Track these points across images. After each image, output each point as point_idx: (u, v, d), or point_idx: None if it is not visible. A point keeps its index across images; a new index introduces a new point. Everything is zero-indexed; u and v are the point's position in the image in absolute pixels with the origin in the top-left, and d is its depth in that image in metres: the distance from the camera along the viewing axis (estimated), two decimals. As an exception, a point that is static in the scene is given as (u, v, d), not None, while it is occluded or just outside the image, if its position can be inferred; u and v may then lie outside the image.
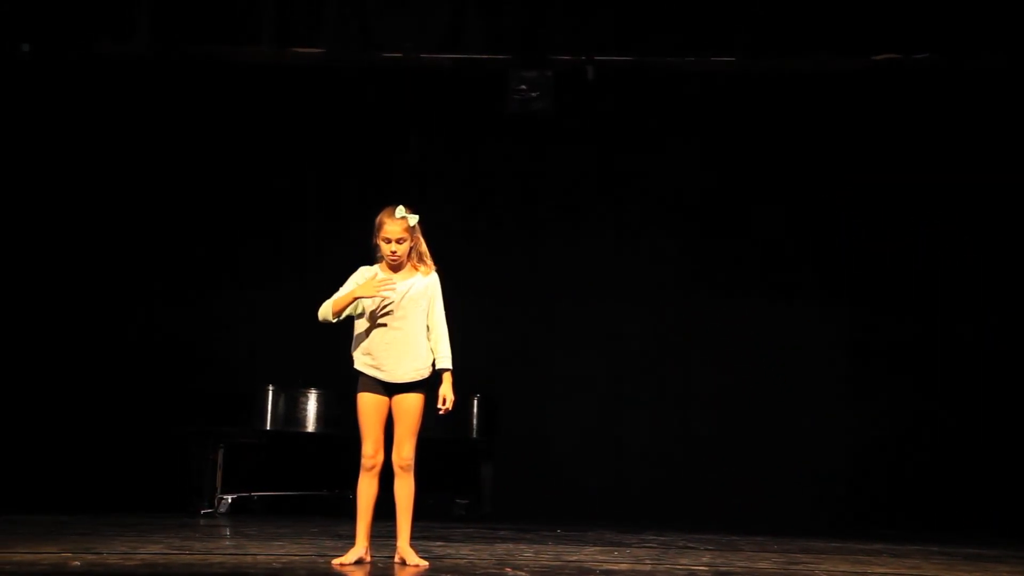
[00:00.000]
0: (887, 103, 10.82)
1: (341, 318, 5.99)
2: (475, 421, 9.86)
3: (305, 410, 9.52)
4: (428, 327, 6.06)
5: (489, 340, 10.72)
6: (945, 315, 10.77)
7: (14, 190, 10.61)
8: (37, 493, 9.80)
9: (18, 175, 10.63)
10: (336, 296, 6.00)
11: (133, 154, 10.88)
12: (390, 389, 5.99)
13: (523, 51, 9.83)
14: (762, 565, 6.66)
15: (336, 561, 5.96)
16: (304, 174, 11.07)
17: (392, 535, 6.12)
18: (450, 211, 10.88)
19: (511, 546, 7.29)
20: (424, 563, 5.98)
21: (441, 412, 6.05)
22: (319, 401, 9.50)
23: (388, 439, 6.05)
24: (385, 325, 5.97)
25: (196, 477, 9.79)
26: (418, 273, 6.05)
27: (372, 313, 5.99)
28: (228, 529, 8.26)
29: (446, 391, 6.05)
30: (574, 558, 6.63)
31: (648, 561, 6.61)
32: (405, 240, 5.97)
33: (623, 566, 6.31)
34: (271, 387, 9.51)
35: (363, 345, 6.01)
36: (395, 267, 6.02)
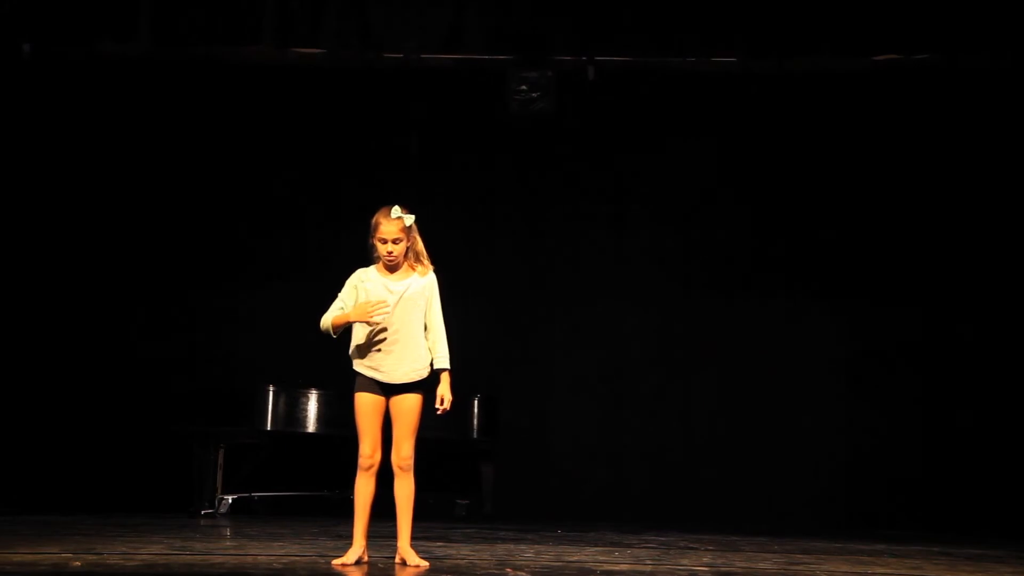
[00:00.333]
0: (887, 103, 10.82)
1: (339, 333, 6.00)
2: (476, 421, 9.86)
3: (305, 410, 9.52)
4: (426, 327, 6.06)
5: (490, 340, 10.73)
6: (946, 315, 10.77)
7: (15, 190, 10.61)
8: (37, 493, 9.80)
9: (19, 175, 10.63)
10: (333, 313, 6.01)
11: (134, 154, 10.88)
12: (388, 390, 5.99)
13: (524, 51, 9.82)
14: (763, 566, 6.66)
15: (336, 561, 5.96)
16: (305, 174, 11.07)
17: (392, 535, 6.12)
18: (451, 211, 10.88)
19: (512, 546, 7.29)
20: (424, 563, 5.98)
21: (439, 412, 6.05)
22: (319, 401, 9.50)
23: (386, 440, 6.05)
24: (383, 326, 5.97)
25: (196, 477, 9.78)
26: (415, 273, 6.05)
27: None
28: (229, 529, 8.26)
29: (444, 391, 6.05)
30: (575, 558, 6.63)
31: (649, 561, 6.60)
32: (401, 240, 5.97)
33: (624, 566, 6.30)
34: (271, 387, 9.51)
35: (361, 346, 6.01)
36: (391, 267, 6.02)
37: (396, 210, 5.98)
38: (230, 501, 9.81)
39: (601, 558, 6.72)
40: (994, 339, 10.67)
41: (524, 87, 9.87)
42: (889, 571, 6.51)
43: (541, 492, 10.65)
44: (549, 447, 10.90)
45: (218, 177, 10.95)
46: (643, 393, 10.98)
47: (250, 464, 10.02)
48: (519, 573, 5.77)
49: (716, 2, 9.52)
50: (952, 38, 9.38)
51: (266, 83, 10.71)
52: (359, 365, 6.00)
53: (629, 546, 7.55)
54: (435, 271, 6.11)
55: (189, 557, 6.17)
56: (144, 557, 6.08)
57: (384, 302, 5.93)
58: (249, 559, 6.13)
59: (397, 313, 5.98)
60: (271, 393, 9.49)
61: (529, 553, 6.87)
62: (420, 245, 6.08)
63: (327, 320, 6.02)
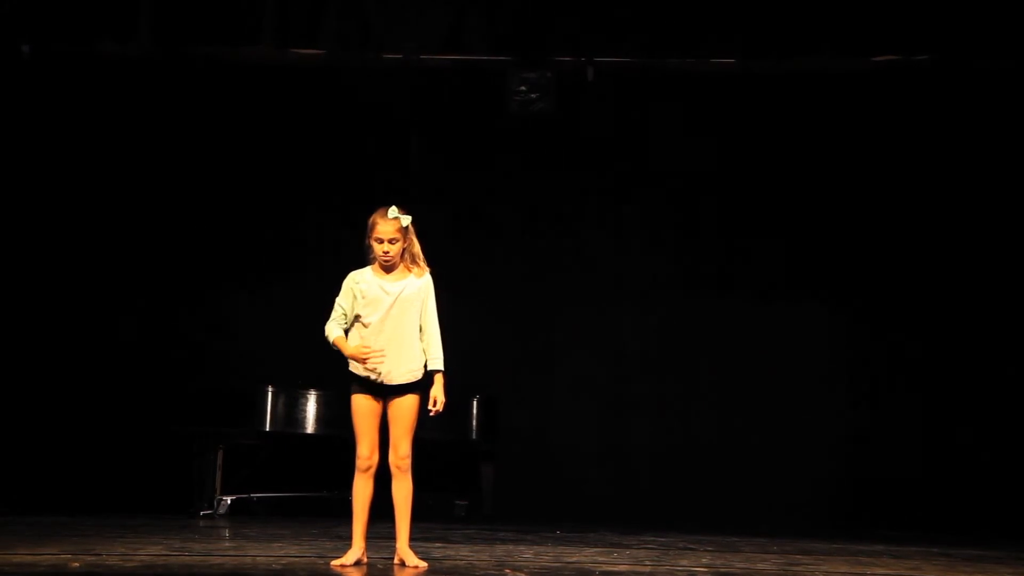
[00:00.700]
0: (887, 104, 10.82)
1: None
2: (475, 422, 9.85)
3: (305, 411, 9.51)
4: (420, 328, 6.06)
5: (489, 340, 10.73)
6: (945, 315, 10.76)
7: (15, 190, 10.61)
8: (36, 494, 9.80)
9: (19, 175, 10.63)
10: (336, 331, 6.00)
11: (134, 154, 10.88)
12: (385, 391, 5.99)
13: (523, 52, 9.82)
14: (762, 566, 6.66)
15: (335, 563, 5.97)
16: (304, 174, 11.07)
17: (391, 536, 6.12)
18: (451, 212, 10.88)
19: (511, 547, 7.29)
20: (423, 564, 5.98)
21: (432, 414, 6.05)
22: (319, 402, 9.49)
23: (383, 441, 6.05)
24: (378, 328, 5.97)
25: (196, 478, 9.78)
26: (411, 275, 6.04)
27: (367, 315, 5.99)
28: (228, 530, 8.26)
29: (437, 392, 6.05)
30: (574, 559, 6.63)
31: (648, 562, 6.61)
32: (397, 241, 5.98)
33: (623, 567, 6.31)
34: (270, 388, 9.50)
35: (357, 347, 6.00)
36: (388, 268, 6.02)
37: (393, 210, 5.99)
38: (229, 502, 9.81)
39: (600, 559, 6.72)
40: (994, 339, 10.67)
41: (524, 87, 9.87)
42: (888, 572, 6.51)
43: (540, 493, 10.64)
44: (549, 448, 10.90)
45: (217, 177, 10.94)
46: (643, 394, 10.98)
47: (249, 465, 10.02)
48: (518, 574, 5.77)
49: (715, 3, 9.51)
50: (952, 39, 9.37)
51: (266, 83, 10.70)
52: (355, 367, 6.00)
53: (628, 547, 7.55)
54: (431, 273, 6.11)
55: (188, 558, 6.17)
56: (143, 558, 6.08)
57: (382, 351, 5.91)
58: (248, 560, 6.13)
59: (393, 315, 5.98)
60: (270, 394, 9.49)
61: (528, 554, 6.87)
62: (417, 247, 6.08)
63: (330, 335, 6.03)
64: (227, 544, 7.14)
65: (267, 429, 9.49)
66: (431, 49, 9.76)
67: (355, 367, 6.00)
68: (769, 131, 11.04)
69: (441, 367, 6.08)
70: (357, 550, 5.98)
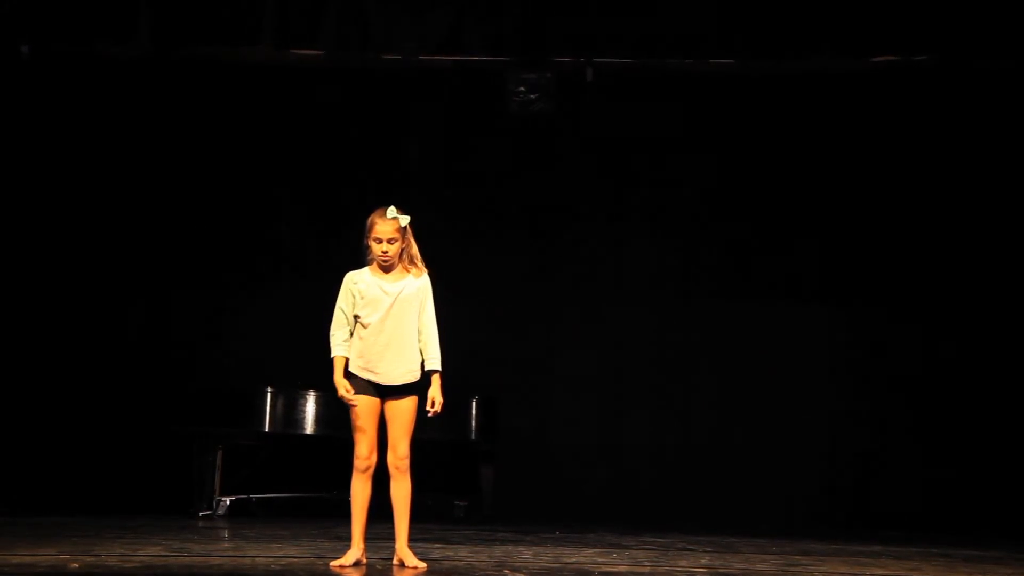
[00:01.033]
0: (887, 105, 10.82)
1: None
2: (474, 423, 9.84)
3: (304, 412, 9.51)
4: (419, 329, 6.06)
5: (489, 341, 10.72)
6: (945, 316, 10.76)
7: (14, 191, 10.61)
8: (36, 495, 9.79)
9: (18, 176, 10.63)
10: (336, 352, 6.07)
11: (133, 155, 10.87)
12: (383, 392, 6.00)
13: (523, 53, 9.82)
14: (761, 567, 6.66)
15: (334, 563, 5.97)
16: (304, 175, 11.07)
17: (390, 536, 6.12)
18: (450, 212, 10.88)
19: (510, 548, 7.30)
20: (422, 565, 5.98)
21: (429, 415, 6.06)
22: (318, 403, 9.49)
23: (381, 441, 6.05)
24: (378, 328, 5.97)
25: (195, 479, 9.77)
26: (409, 275, 6.05)
27: (366, 316, 5.99)
28: (227, 531, 8.26)
29: (435, 393, 6.06)
30: (573, 560, 6.63)
31: (647, 563, 6.61)
32: (396, 240, 5.99)
33: (622, 568, 6.31)
34: (270, 389, 9.50)
35: (356, 348, 6.01)
36: (386, 268, 6.03)
37: (392, 210, 6.00)
38: (228, 502, 9.80)
39: (599, 559, 6.72)
40: (994, 340, 10.66)
41: (523, 88, 9.86)
42: (888, 572, 6.51)
43: (540, 494, 10.64)
44: (548, 449, 10.89)
45: (217, 178, 10.94)
46: (642, 394, 10.97)
47: (249, 465, 10.01)
48: (517, 574, 5.77)
49: (714, 3, 9.51)
50: (952, 39, 9.37)
51: (265, 84, 10.70)
52: (354, 367, 6.01)
53: (627, 547, 7.56)
54: (429, 273, 6.12)
55: (187, 559, 6.17)
56: (142, 558, 6.08)
57: (354, 400, 5.97)
58: (247, 561, 6.13)
59: (393, 315, 5.99)
60: (269, 394, 9.48)
61: (527, 554, 6.87)
62: (415, 248, 6.09)
63: (333, 349, 6.08)
64: (226, 545, 7.14)
65: (266, 430, 9.49)
66: (430, 50, 9.75)
67: (353, 367, 6.01)
68: (769, 131, 11.03)
69: (439, 367, 6.09)
70: (356, 550, 5.98)
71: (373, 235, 6.02)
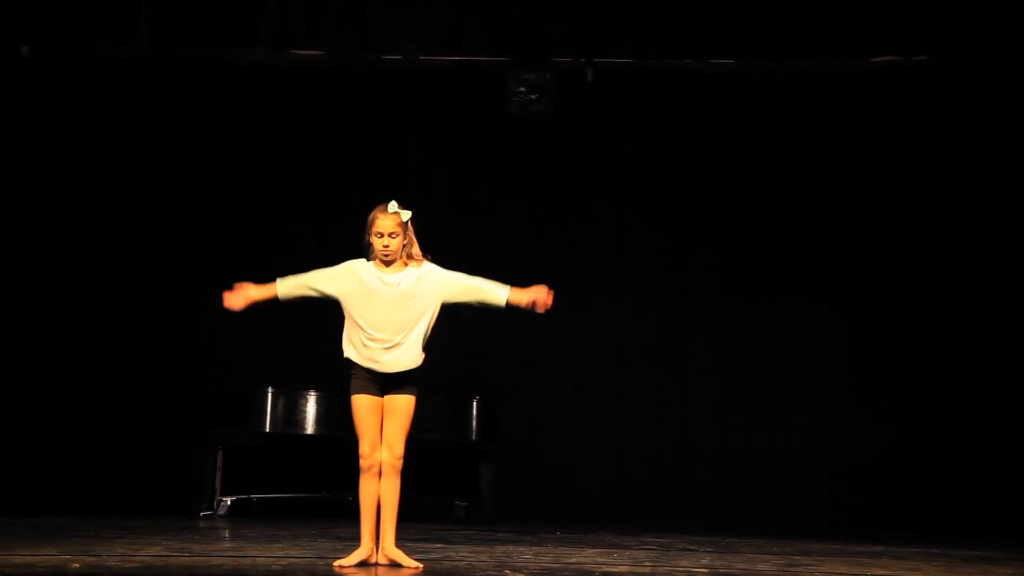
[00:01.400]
0: (886, 105, 10.82)
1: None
2: (475, 423, 9.85)
3: (304, 412, 9.51)
4: (462, 304, 6.24)
5: (489, 342, 10.73)
6: (946, 316, 10.77)
7: (14, 191, 10.61)
8: (36, 495, 9.79)
9: (18, 176, 10.63)
10: (279, 281, 6.46)
11: (133, 155, 10.88)
12: (384, 387, 6.00)
13: (523, 53, 9.82)
14: (761, 567, 6.66)
15: (337, 563, 5.96)
16: (304, 175, 11.07)
17: (401, 536, 6.10)
18: (450, 212, 10.88)
19: (510, 548, 7.29)
20: (418, 564, 5.97)
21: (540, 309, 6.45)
22: (318, 403, 9.49)
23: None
24: (379, 320, 5.97)
25: (195, 479, 9.78)
26: (408, 268, 6.07)
27: (365, 306, 5.99)
28: (227, 531, 8.26)
29: (527, 295, 6.49)
30: (573, 560, 6.63)
31: (648, 563, 6.61)
32: (397, 235, 6.01)
33: (622, 568, 6.31)
34: (270, 389, 9.51)
35: (359, 338, 6.01)
36: (387, 262, 6.04)
37: (393, 205, 6.04)
38: (229, 503, 9.81)
39: (600, 560, 6.72)
40: (994, 340, 10.67)
41: (523, 88, 9.86)
42: (888, 572, 6.51)
43: (540, 494, 10.64)
44: (548, 449, 10.89)
45: (217, 178, 10.95)
46: (642, 395, 10.98)
47: (249, 466, 10.02)
48: (518, 575, 5.77)
49: (714, 4, 9.52)
50: (952, 39, 9.37)
51: (265, 84, 10.70)
52: (355, 355, 6.00)
53: (628, 548, 7.56)
54: (429, 260, 6.14)
55: (188, 559, 6.17)
56: (143, 559, 6.08)
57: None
58: (248, 561, 6.13)
59: (394, 307, 5.99)
60: (270, 395, 9.49)
61: (528, 555, 6.87)
62: (416, 247, 6.09)
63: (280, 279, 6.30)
64: (227, 545, 7.14)
65: (267, 430, 9.50)
66: (430, 50, 9.75)
67: (356, 356, 6.00)
68: (769, 131, 11.04)
69: (507, 288, 6.40)
70: (364, 550, 5.98)
71: (375, 230, 6.03)
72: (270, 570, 5.67)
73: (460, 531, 8.68)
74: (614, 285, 11.12)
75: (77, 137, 10.77)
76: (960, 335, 10.73)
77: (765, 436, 10.77)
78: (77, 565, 5.65)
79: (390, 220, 6.02)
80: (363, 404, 5.99)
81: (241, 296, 6.15)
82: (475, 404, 9.86)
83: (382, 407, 6.01)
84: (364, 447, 5.97)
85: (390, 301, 5.99)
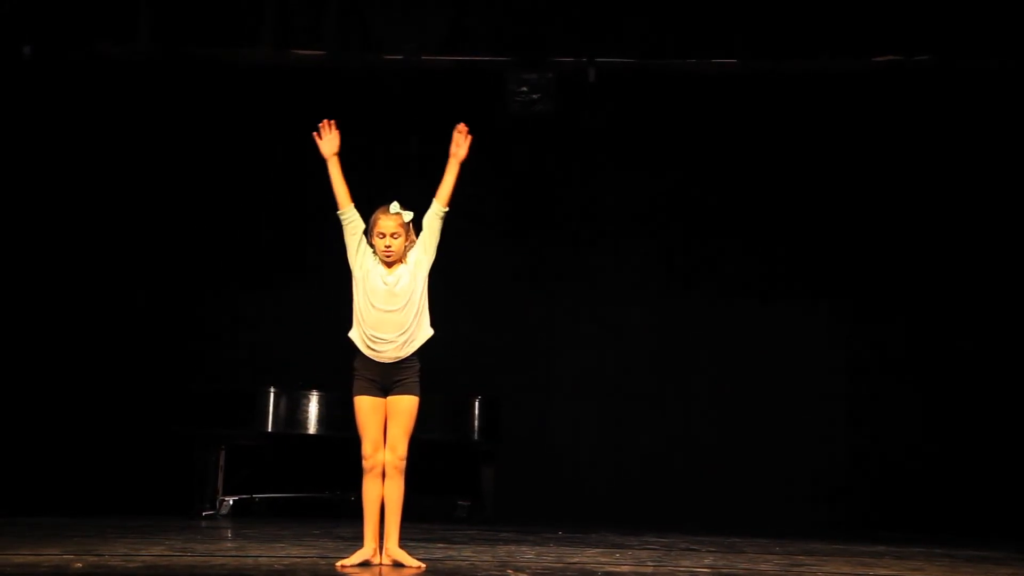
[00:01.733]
0: (887, 105, 10.82)
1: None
2: (477, 423, 9.85)
3: (306, 412, 9.51)
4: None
5: (490, 341, 10.74)
6: (946, 315, 10.76)
7: (15, 192, 10.61)
8: (38, 495, 9.79)
9: (19, 176, 10.63)
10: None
11: (135, 156, 10.88)
12: (386, 388, 5.99)
13: (524, 53, 9.82)
14: (764, 567, 6.66)
15: (340, 563, 5.96)
16: (305, 175, 11.05)
17: (404, 536, 6.10)
18: (451, 212, 10.85)
19: (513, 548, 7.29)
20: (420, 564, 5.97)
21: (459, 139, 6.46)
22: (320, 403, 9.49)
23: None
24: (382, 309, 5.96)
25: (197, 479, 9.78)
26: (403, 265, 6.05)
27: (366, 302, 5.98)
28: (230, 531, 8.26)
29: (454, 156, 6.72)
30: (576, 560, 6.63)
31: (650, 563, 6.60)
32: (399, 236, 6.02)
33: (625, 568, 6.30)
34: (272, 389, 9.50)
35: (361, 326, 6.00)
36: (388, 263, 6.03)
37: (395, 205, 6.05)
38: (231, 503, 9.80)
39: (602, 559, 6.72)
40: (995, 339, 10.66)
41: (524, 88, 9.86)
42: (891, 572, 6.51)
43: (542, 494, 10.64)
44: (550, 449, 10.90)
45: (219, 178, 10.94)
46: (644, 394, 10.97)
47: (251, 465, 10.02)
48: (520, 574, 5.76)
49: (716, 4, 9.52)
50: (953, 39, 9.37)
51: (266, 85, 10.70)
52: (360, 345, 6.00)
53: (630, 547, 7.55)
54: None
55: (190, 559, 6.17)
56: (145, 558, 6.08)
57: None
58: (250, 561, 6.13)
59: (393, 308, 5.96)
60: (272, 395, 9.49)
61: (530, 554, 6.87)
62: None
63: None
64: (229, 545, 7.14)
65: (269, 430, 9.50)
66: (431, 50, 9.76)
67: (360, 344, 5.99)
68: (770, 131, 11.04)
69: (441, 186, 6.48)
70: (368, 550, 5.98)
71: (376, 230, 6.03)
72: (272, 570, 5.67)
73: (462, 531, 8.67)
74: (615, 284, 11.11)
75: (79, 137, 10.76)
76: (962, 334, 10.72)
77: (767, 436, 10.77)
78: (80, 565, 5.65)
79: (392, 221, 6.03)
80: (365, 405, 5.99)
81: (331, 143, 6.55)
82: (477, 404, 9.87)
83: (384, 408, 6.00)
84: (366, 448, 5.97)
85: (389, 301, 5.98)
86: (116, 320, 10.71)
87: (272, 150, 10.97)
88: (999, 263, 10.72)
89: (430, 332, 6.07)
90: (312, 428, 9.51)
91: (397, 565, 5.94)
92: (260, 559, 6.21)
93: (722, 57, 9.85)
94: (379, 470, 5.95)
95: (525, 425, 10.75)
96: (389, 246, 6.01)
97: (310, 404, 9.50)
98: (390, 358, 5.98)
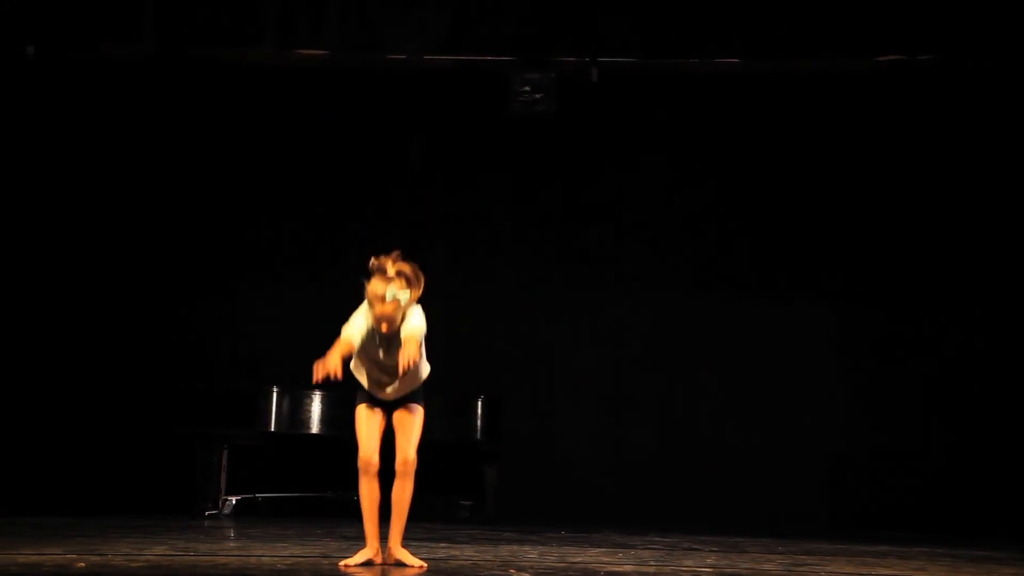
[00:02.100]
0: (891, 104, 10.81)
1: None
2: (479, 423, 9.84)
3: (309, 411, 9.51)
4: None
5: (493, 342, 10.74)
6: (947, 315, 10.76)
7: (18, 192, 10.62)
8: (41, 495, 9.80)
9: (22, 177, 10.64)
10: (346, 334, 5.76)
11: (137, 156, 10.89)
12: (388, 405, 5.99)
13: (526, 53, 9.82)
14: (767, 567, 6.66)
15: (342, 563, 5.96)
16: (307, 175, 11.07)
17: (411, 536, 6.10)
18: (453, 212, 10.88)
19: (515, 547, 7.29)
20: (423, 564, 5.98)
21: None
22: (323, 403, 9.49)
23: (385, 444, 6.04)
24: (382, 363, 5.89)
25: (200, 478, 9.77)
26: (402, 324, 5.88)
27: (364, 354, 5.91)
28: (232, 531, 8.26)
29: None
30: (578, 559, 6.63)
31: (653, 563, 6.60)
32: (395, 318, 5.71)
33: (628, 568, 6.30)
34: (275, 388, 9.51)
35: (363, 368, 5.96)
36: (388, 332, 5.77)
37: (390, 293, 5.66)
38: (234, 502, 9.81)
39: (605, 559, 6.72)
40: (996, 338, 10.66)
41: (526, 88, 9.87)
42: (893, 572, 6.51)
43: (544, 493, 10.64)
44: (552, 449, 10.89)
45: (221, 178, 10.95)
46: (646, 394, 10.97)
47: (254, 465, 10.02)
48: (522, 574, 5.76)
49: (718, 3, 9.51)
50: (956, 38, 9.37)
51: (268, 84, 10.71)
52: (362, 379, 5.97)
53: (632, 547, 7.55)
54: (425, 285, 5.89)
55: (193, 558, 6.17)
56: (148, 558, 6.08)
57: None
58: (253, 560, 6.13)
59: (390, 356, 5.86)
60: (275, 394, 9.49)
61: (533, 554, 6.87)
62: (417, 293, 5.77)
63: (344, 332, 5.78)
64: (232, 544, 7.15)
65: (271, 429, 9.49)
66: (433, 50, 9.77)
67: (357, 372, 5.99)
68: (772, 131, 11.03)
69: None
70: (370, 550, 5.98)
71: (373, 292, 5.70)
72: (275, 569, 5.67)
73: (465, 531, 8.68)
74: (617, 284, 11.11)
75: (82, 137, 10.77)
76: (963, 334, 10.71)
77: (769, 435, 10.77)
78: (83, 564, 5.66)
79: (389, 306, 5.65)
80: (364, 413, 5.99)
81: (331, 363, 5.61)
82: (479, 404, 9.86)
83: (385, 418, 6.00)
84: (363, 451, 5.96)
85: (384, 351, 5.87)
86: (119, 319, 10.71)
87: (275, 149, 10.98)
88: (1004, 262, 10.72)
89: (428, 368, 6.01)
90: (315, 428, 9.51)
91: (399, 565, 5.95)
92: (263, 559, 6.21)
93: (724, 57, 9.85)
94: (374, 471, 5.94)
95: (528, 425, 10.75)
96: (385, 326, 5.73)
97: (312, 404, 9.50)
98: (393, 396, 5.96)
